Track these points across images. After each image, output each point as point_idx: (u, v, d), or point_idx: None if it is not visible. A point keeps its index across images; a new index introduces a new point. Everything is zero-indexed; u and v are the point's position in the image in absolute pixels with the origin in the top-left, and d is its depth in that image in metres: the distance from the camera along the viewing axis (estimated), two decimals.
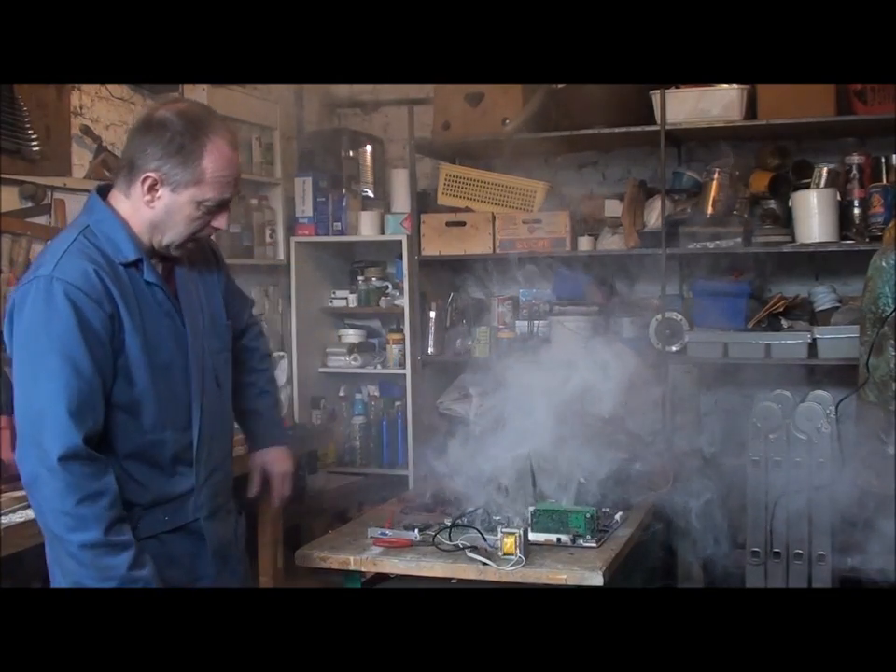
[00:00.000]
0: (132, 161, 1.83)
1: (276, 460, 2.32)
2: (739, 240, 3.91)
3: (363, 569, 2.38)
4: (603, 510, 2.53)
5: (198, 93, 3.90)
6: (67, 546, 1.71)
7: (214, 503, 2.00)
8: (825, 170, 3.88)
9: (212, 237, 2.07)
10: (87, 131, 3.39)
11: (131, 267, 1.85)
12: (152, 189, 1.82)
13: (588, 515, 2.38)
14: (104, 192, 1.91)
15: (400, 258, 4.43)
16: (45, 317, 1.74)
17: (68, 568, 1.73)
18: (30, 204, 3.17)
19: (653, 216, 4.05)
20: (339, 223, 4.52)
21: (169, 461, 1.91)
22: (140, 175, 1.82)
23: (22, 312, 1.77)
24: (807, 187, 3.87)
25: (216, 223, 1.90)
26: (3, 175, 3.03)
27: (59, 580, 1.78)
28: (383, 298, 4.64)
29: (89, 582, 1.68)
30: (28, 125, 3.12)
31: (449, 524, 2.44)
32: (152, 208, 1.84)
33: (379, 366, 4.63)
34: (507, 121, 4.08)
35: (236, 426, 2.27)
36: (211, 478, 1.99)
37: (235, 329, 2.19)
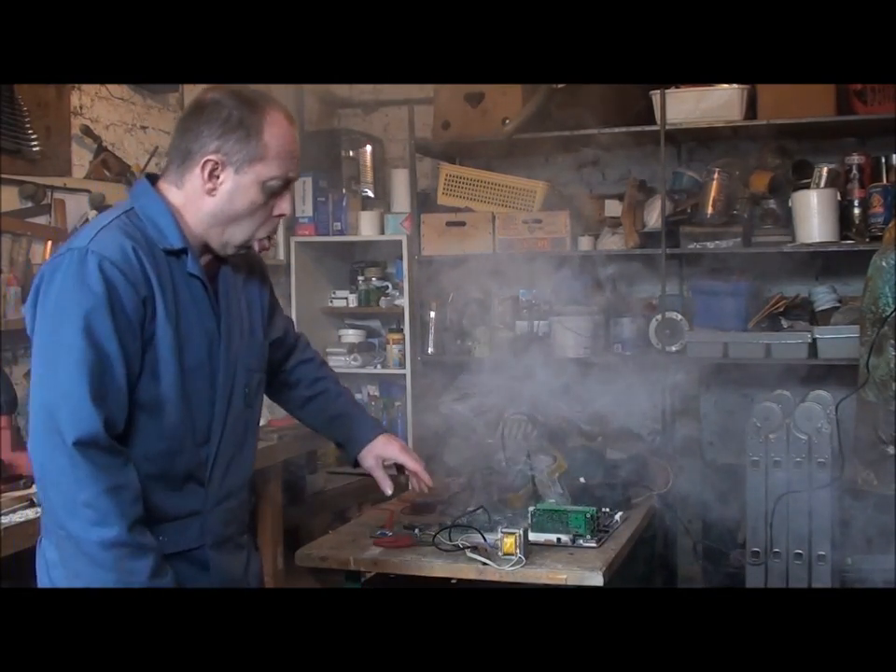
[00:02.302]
0: (186, 149, 1.69)
1: (395, 449, 2.21)
2: (739, 240, 3.92)
3: (363, 569, 2.38)
4: (603, 510, 2.53)
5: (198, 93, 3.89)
6: (84, 545, 1.53)
7: (223, 532, 1.79)
8: (825, 170, 3.88)
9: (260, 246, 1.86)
10: (87, 131, 3.39)
11: (173, 256, 1.70)
12: (213, 173, 1.68)
13: (588, 515, 2.38)
14: (152, 181, 1.77)
15: (400, 258, 4.43)
16: (75, 292, 1.58)
17: (80, 571, 1.55)
18: (30, 204, 3.17)
19: (653, 216, 4.05)
20: (339, 223, 4.52)
21: (180, 475, 1.72)
22: (198, 160, 1.68)
23: (51, 285, 1.61)
24: (807, 187, 3.87)
25: (279, 209, 1.75)
26: (3, 175, 3.03)
27: (61, 585, 1.60)
28: (383, 298, 4.64)
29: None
30: (28, 125, 3.12)
31: (449, 524, 2.44)
32: (214, 196, 1.70)
33: (379, 366, 4.63)
34: (507, 121, 4.08)
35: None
36: (224, 503, 1.79)
37: (287, 346, 2.11)
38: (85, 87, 3.40)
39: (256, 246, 1.79)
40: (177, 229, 1.70)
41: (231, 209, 1.71)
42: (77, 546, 1.55)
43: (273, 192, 1.72)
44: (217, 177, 1.69)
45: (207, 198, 1.71)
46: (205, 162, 1.68)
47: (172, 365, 1.67)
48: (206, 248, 1.76)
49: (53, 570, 1.65)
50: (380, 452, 2.21)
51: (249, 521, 1.93)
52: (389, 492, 2.23)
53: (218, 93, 1.69)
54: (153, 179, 1.77)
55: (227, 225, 1.72)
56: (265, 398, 2.02)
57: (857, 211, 3.82)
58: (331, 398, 2.18)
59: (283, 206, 1.75)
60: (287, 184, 1.73)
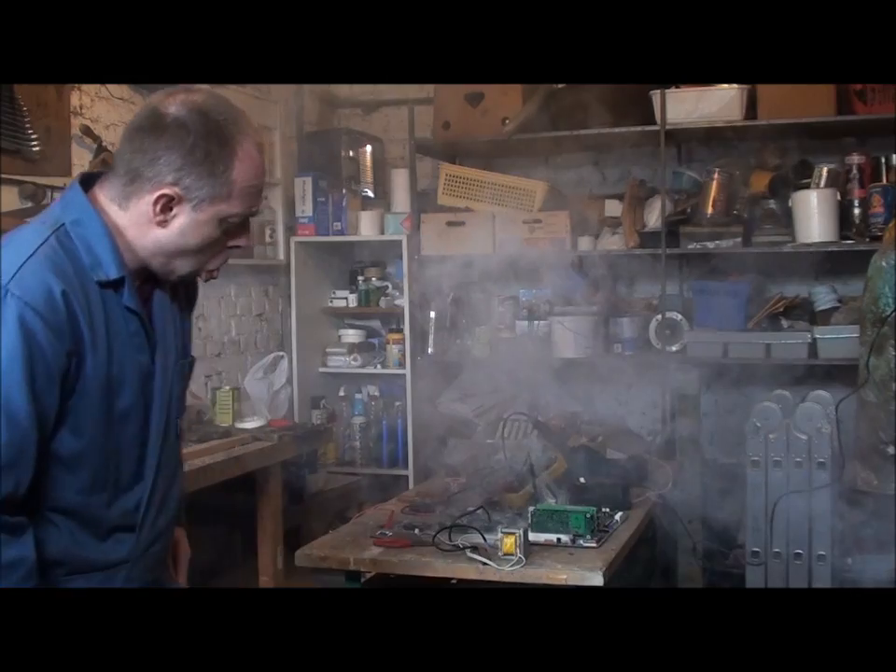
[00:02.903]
0: (136, 171, 1.49)
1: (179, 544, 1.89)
2: (739, 240, 3.92)
3: (363, 569, 2.38)
4: (603, 510, 2.53)
5: None
6: None
7: (149, 576, 1.64)
8: (825, 170, 3.88)
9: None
10: (87, 131, 3.39)
11: (108, 287, 1.50)
12: (166, 206, 1.49)
13: (588, 515, 2.38)
14: (87, 183, 1.55)
15: (400, 258, 4.43)
16: None
17: None
18: (30, 204, 3.17)
19: (653, 216, 4.05)
20: (339, 223, 4.53)
21: (106, 525, 1.55)
22: (151, 190, 1.48)
23: None
24: (807, 187, 3.88)
25: (235, 241, 1.57)
26: (3, 175, 3.03)
27: None
28: (383, 298, 4.64)
29: None
30: (28, 125, 3.12)
31: (449, 524, 2.44)
32: (164, 228, 1.50)
33: (379, 366, 4.63)
34: (507, 121, 4.08)
35: None
36: (151, 548, 1.63)
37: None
38: (85, 87, 3.40)
39: (203, 277, 1.63)
40: (116, 256, 1.50)
41: (182, 243, 1.52)
42: None
43: (229, 229, 1.55)
44: (171, 210, 1.50)
45: (155, 228, 1.51)
46: (160, 196, 1.48)
47: (97, 417, 1.50)
48: (144, 269, 1.58)
49: None
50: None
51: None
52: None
53: (184, 109, 1.48)
54: (87, 181, 1.57)
55: (173, 257, 1.54)
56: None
57: (857, 211, 3.83)
58: None
59: (240, 239, 1.58)
60: (246, 218, 1.57)
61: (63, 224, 1.50)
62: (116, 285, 1.51)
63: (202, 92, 1.53)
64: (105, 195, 1.54)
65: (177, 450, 1.71)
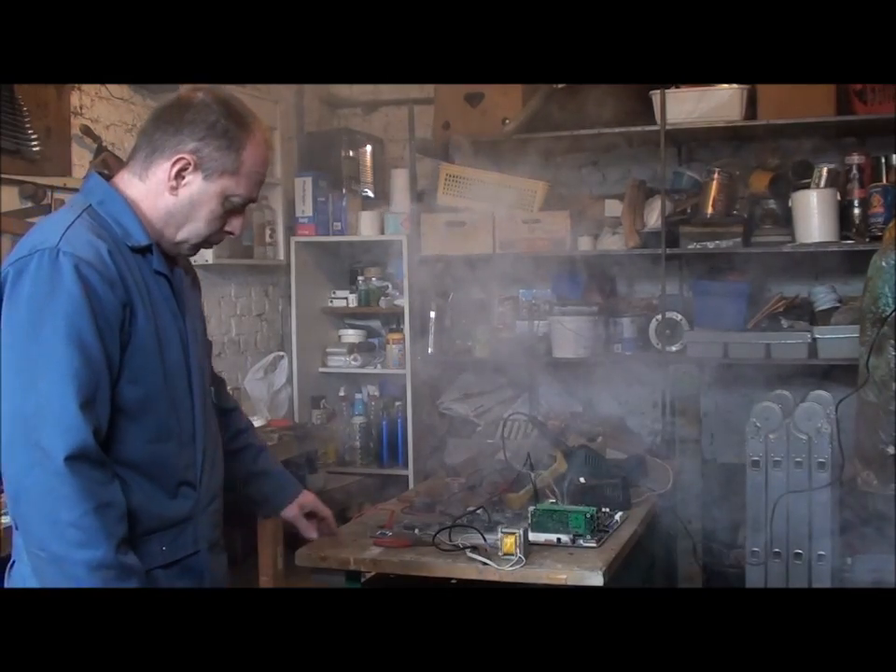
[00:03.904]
0: (160, 141, 1.63)
1: (311, 497, 2.16)
2: (739, 240, 3.92)
3: (363, 569, 2.38)
4: (603, 510, 2.53)
5: None
6: (69, 567, 1.45)
7: (213, 535, 1.77)
8: (825, 170, 3.88)
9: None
10: (87, 131, 3.39)
11: (139, 254, 1.64)
12: (181, 173, 1.63)
13: (588, 515, 2.38)
14: (103, 176, 1.71)
15: (400, 258, 4.43)
16: (50, 295, 1.49)
17: None
18: (30, 204, 3.17)
19: (653, 216, 4.05)
20: (339, 223, 4.53)
21: (173, 480, 1.66)
22: (170, 155, 1.62)
23: (18, 288, 1.51)
24: (807, 187, 3.88)
25: (230, 226, 1.71)
26: (3, 175, 3.03)
27: None
28: (383, 298, 4.64)
29: None
30: (28, 125, 3.12)
31: (449, 524, 2.44)
32: (175, 195, 1.65)
33: (379, 366, 4.63)
34: (507, 121, 4.08)
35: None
36: (212, 505, 1.76)
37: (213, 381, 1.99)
38: (85, 87, 3.40)
39: (201, 246, 1.75)
40: (141, 226, 1.65)
41: (189, 212, 1.66)
42: (61, 569, 1.46)
43: (231, 209, 1.69)
44: (184, 178, 1.64)
45: (167, 195, 1.65)
46: (178, 159, 1.63)
47: (154, 367, 1.61)
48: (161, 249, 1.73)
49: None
50: (301, 501, 2.14)
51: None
52: (315, 536, 2.18)
53: (209, 97, 1.65)
54: (103, 177, 1.71)
55: (180, 227, 1.67)
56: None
57: (857, 211, 3.83)
58: (254, 453, 2.07)
59: (235, 224, 1.72)
60: (247, 203, 1.71)
61: (90, 205, 1.64)
62: (145, 252, 1.65)
63: (219, 89, 1.70)
64: (128, 173, 1.68)
65: (215, 419, 1.83)
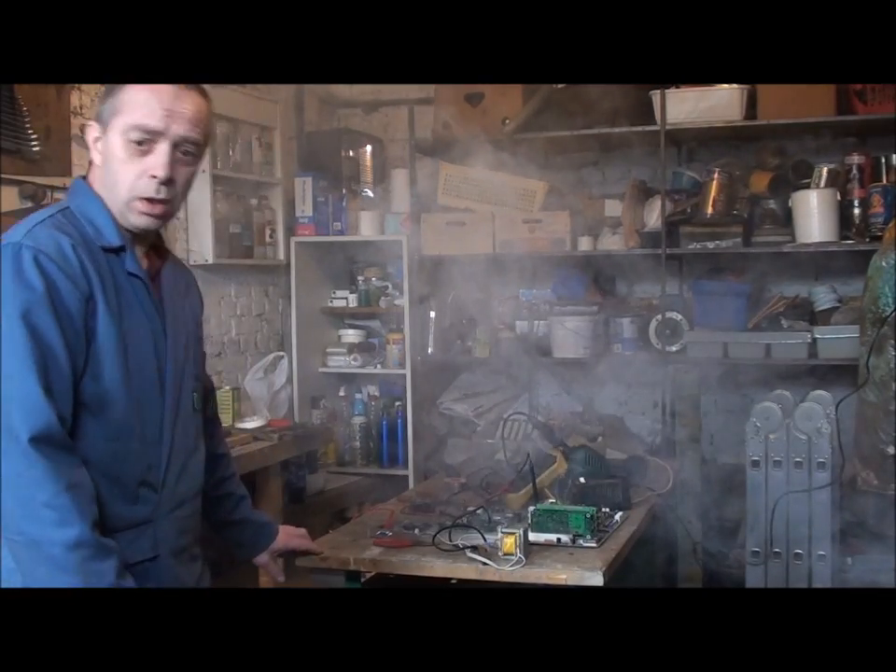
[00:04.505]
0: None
1: (284, 540, 2.16)
2: (739, 240, 3.92)
3: (363, 569, 2.38)
4: (603, 510, 2.53)
5: None
6: (48, 548, 1.47)
7: (178, 542, 1.73)
8: (825, 170, 3.88)
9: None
10: None
11: (112, 253, 1.65)
12: (95, 141, 1.67)
13: (588, 515, 2.38)
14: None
15: (400, 258, 4.43)
16: (11, 287, 1.53)
17: (42, 577, 1.48)
18: (30, 204, 3.16)
19: (653, 216, 4.05)
20: (339, 223, 4.53)
21: (132, 479, 1.65)
22: (91, 135, 1.69)
23: None
24: (807, 187, 3.88)
25: (151, 170, 1.63)
26: (3, 175, 3.03)
27: None
28: (383, 298, 4.64)
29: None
30: (28, 125, 3.12)
31: (449, 524, 2.44)
32: (99, 163, 1.68)
33: (379, 366, 4.63)
34: (507, 121, 4.08)
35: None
36: (178, 510, 1.73)
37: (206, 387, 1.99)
38: (85, 87, 3.40)
39: (139, 208, 1.66)
40: (115, 226, 1.66)
41: (110, 170, 1.66)
42: (38, 550, 1.48)
43: (139, 146, 1.63)
44: (97, 143, 1.68)
45: (98, 169, 1.68)
46: (89, 129, 1.68)
47: (115, 363, 1.61)
48: (148, 247, 1.75)
49: (11, 578, 1.56)
50: (272, 548, 2.14)
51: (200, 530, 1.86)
52: (283, 579, 2.18)
53: None
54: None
55: (112, 189, 1.66)
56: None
57: (857, 211, 3.83)
58: (234, 502, 2.07)
59: (150, 164, 1.64)
60: (154, 137, 1.63)
61: (68, 206, 1.68)
62: (118, 251, 1.66)
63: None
64: (95, 179, 1.71)
65: (198, 424, 1.82)
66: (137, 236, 1.71)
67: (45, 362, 1.52)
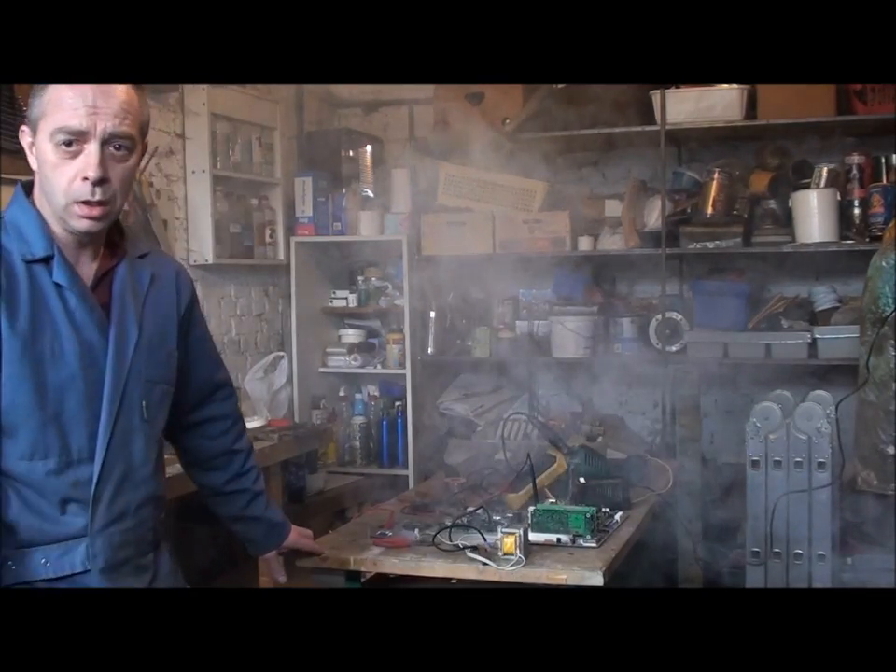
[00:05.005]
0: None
1: (291, 539, 2.14)
2: (739, 240, 3.92)
3: (363, 569, 2.38)
4: (603, 510, 2.53)
5: (198, 93, 3.90)
6: None
7: (117, 555, 1.65)
8: (825, 170, 3.89)
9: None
10: None
11: (39, 264, 1.60)
12: (30, 147, 1.65)
13: (588, 515, 2.38)
14: (29, 188, 1.71)
15: (400, 258, 4.43)
16: None
17: None
18: None
19: (653, 216, 4.05)
20: (339, 223, 4.53)
21: (56, 497, 1.60)
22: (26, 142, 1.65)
23: None
24: (807, 187, 3.88)
25: (82, 171, 1.58)
26: (3, 175, 3.03)
27: None
28: (383, 298, 4.64)
29: None
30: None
31: (449, 524, 2.44)
32: (36, 168, 1.64)
33: (379, 366, 4.63)
34: (507, 121, 4.08)
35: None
36: (118, 524, 1.65)
37: (202, 388, 2.01)
38: None
39: (77, 212, 1.61)
40: (44, 236, 1.62)
41: (43, 173, 1.62)
42: None
43: (68, 147, 1.59)
44: (32, 149, 1.65)
45: (37, 176, 1.66)
46: (22, 135, 1.65)
47: (25, 384, 1.56)
48: (100, 248, 1.69)
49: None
50: (282, 545, 2.14)
51: (157, 539, 1.78)
52: (284, 579, 2.15)
53: None
54: (30, 186, 1.70)
55: (49, 195, 1.63)
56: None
57: (857, 211, 3.83)
58: (248, 499, 2.04)
59: (80, 166, 1.59)
60: (81, 137, 1.59)
61: (3, 219, 1.65)
62: (47, 262, 1.61)
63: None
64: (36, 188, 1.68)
65: (147, 433, 1.72)
66: (86, 238, 1.66)
67: None
